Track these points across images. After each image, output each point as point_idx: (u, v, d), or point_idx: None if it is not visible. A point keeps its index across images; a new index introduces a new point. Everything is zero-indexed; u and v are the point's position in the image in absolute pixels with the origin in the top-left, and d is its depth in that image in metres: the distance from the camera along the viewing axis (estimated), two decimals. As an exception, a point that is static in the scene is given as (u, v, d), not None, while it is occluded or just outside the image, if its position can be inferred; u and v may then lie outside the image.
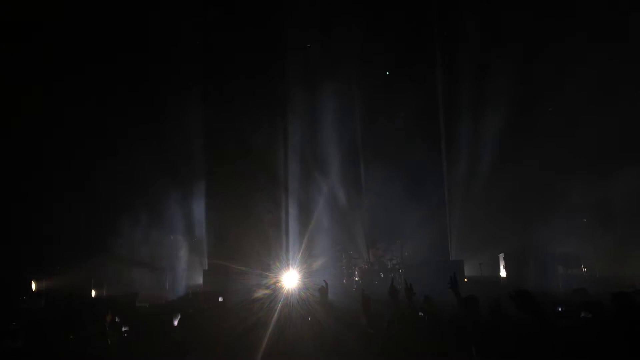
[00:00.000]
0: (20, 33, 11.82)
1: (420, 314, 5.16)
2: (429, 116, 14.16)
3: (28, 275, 11.28)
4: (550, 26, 12.41)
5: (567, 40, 12.15)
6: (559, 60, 12.52)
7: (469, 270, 12.37)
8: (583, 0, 12.08)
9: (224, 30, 13.68)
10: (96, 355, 5.28)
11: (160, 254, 12.97)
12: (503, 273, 12.41)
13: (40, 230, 11.55)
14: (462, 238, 13.63)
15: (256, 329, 5.42)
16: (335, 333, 4.67)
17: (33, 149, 12.15)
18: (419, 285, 5.17)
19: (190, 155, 13.88)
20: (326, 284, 4.99)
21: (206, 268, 13.35)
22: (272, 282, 12.62)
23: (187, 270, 13.36)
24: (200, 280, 12.92)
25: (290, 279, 12.07)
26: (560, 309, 5.83)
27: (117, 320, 6.12)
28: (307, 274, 12.62)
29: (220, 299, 8.73)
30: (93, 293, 11.68)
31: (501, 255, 12.59)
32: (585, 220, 12.87)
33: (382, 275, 12.26)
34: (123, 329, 5.90)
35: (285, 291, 11.06)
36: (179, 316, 6.07)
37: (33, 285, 11.26)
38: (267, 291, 11.84)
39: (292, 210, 13.64)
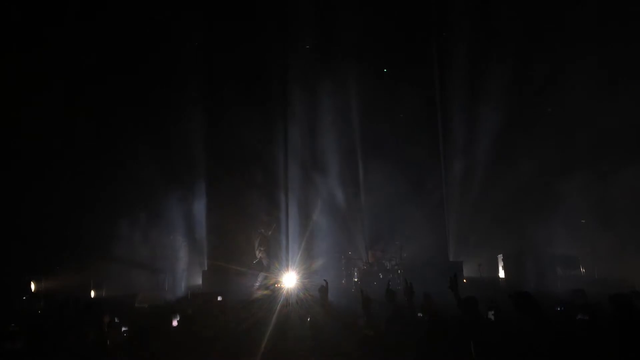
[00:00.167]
0: (20, 33, 11.82)
1: (419, 314, 5.17)
2: (428, 117, 14.16)
3: (27, 276, 11.27)
4: (550, 26, 12.42)
5: (567, 40, 12.16)
6: (558, 60, 12.54)
7: (468, 271, 12.38)
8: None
9: (224, 30, 13.69)
10: (95, 356, 5.28)
11: (159, 254, 12.97)
12: (502, 274, 12.43)
13: (40, 231, 11.53)
14: (461, 239, 13.64)
15: (255, 329, 5.43)
16: (334, 333, 4.68)
17: (33, 150, 12.15)
18: (418, 286, 5.18)
19: (190, 156, 13.88)
20: (326, 283, 5.00)
21: (205, 269, 13.35)
22: (271, 282, 12.64)
23: (186, 271, 13.35)
24: (199, 280, 12.92)
25: (289, 280, 12.07)
26: (559, 309, 5.84)
27: (116, 320, 6.13)
28: (306, 274, 12.63)
29: (219, 298, 8.75)
30: (92, 294, 11.68)
31: (500, 256, 12.61)
32: (584, 221, 12.90)
33: (381, 276, 12.27)
34: (122, 330, 5.90)
35: (284, 292, 11.07)
36: (178, 317, 6.08)
37: (32, 286, 11.25)
38: (266, 292, 11.87)
39: (291, 211, 13.65)
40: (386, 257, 12.80)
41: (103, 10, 12.26)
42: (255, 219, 13.43)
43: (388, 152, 13.54)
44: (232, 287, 11.39)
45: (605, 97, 11.85)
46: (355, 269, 12.96)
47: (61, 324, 5.85)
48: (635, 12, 11.53)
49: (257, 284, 12.54)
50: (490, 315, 5.09)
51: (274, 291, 11.92)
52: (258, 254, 12.79)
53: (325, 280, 5.04)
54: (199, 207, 13.89)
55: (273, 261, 12.98)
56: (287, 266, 12.63)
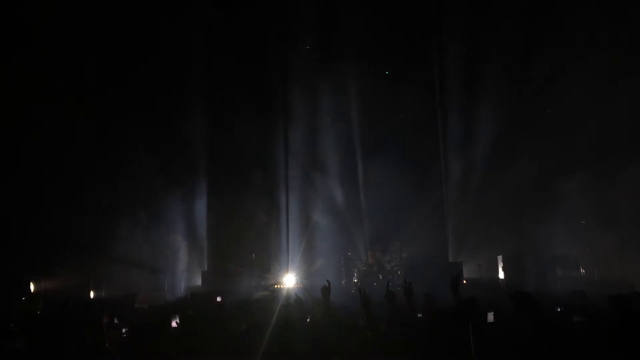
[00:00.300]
0: (20, 33, 11.82)
1: (419, 315, 5.16)
2: (428, 117, 14.16)
3: (27, 276, 11.26)
4: (550, 25, 12.42)
5: (566, 40, 12.15)
6: (559, 60, 12.53)
7: (468, 272, 12.38)
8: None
9: (224, 30, 13.68)
10: (95, 357, 5.28)
11: (159, 255, 12.96)
12: (502, 275, 12.43)
13: (40, 231, 11.52)
14: (461, 239, 13.63)
15: (255, 329, 5.42)
16: (333, 334, 4.67)
17: (33, 150, 12.14)
18: (418, 286, 5.18)
19: (190, 156, 13.87)
20: (329, 283, 4.99)
21: (205, 269, 13.34)
22: (271, 283, 12.64)
23: (186, 271, 13.36)
24: (199, 281, 12.92)
25: (289, 280, 12.08)
26: (559, 310, 5.85)
27: (116, 321, 6.12)
28: (306, 275, 12.64)
29: (218, 299, 8.75)
30: (92, 294, 11.67)
31: (500, 257, 12.61)
32: (584, 222, 12.90)
33: (381, 277, 12.27)
34: (122, 330, 5.89)
35: (284, 292, 11.07)
36: (178, 317, 6.07)
37: (32, 287, 11.24)
38: (266, 292, 11.87)
39: (291, 212, 13.64)
40: (386, 258, 12.79)
41: (105, 11, 12.26)
42: (255, 220, 13.43)
43: (388, 153, 13.53)
44: (231, 288, 11.39)
45: (605, 98, 11.85)
46: (355, 269, 12.96)
47: (61, 324, 5.84)
48: (635, 12, 11.53)
49: (257, 285, 12.54)
50: (490, 316, 5.09)
51: (273, 292, 11.92)
52: (260, 255, 12.78)
53: (327, 280, 5.03)
54: (199, 208, 13.89)
55: (273, 262, 12.98)
56: (287, 267, 12.63)
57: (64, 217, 11.80)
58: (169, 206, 13.32)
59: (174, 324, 6.02)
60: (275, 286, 12.32)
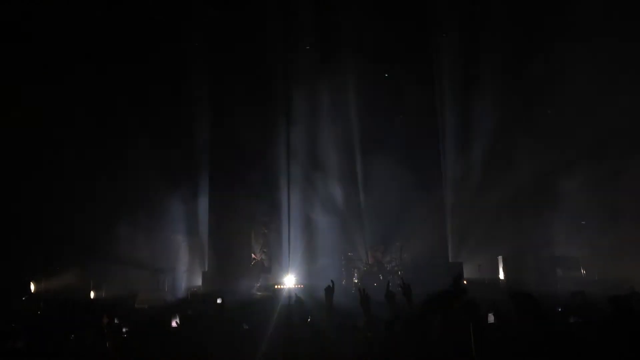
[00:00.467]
0: (20, 33, 11.82)
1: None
2: (428, 118, 14.16)
3: (27, 276, 11.27)
4: (551, 23, 12.41)
5: (566, 40, 12.14)
6: (559, 60, 12.53)
7: (468, 272, 12.39)
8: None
9: (224, 30, 13.68)
10: (95, 357, 5.28)
11: (159, 255, 12.97)
12: (502, 275, 12.43)
13: (40, 231, 11.53)
14: (461, 240, 13.64)
15: (256, 330, 5.43)
16: (333, 335, 4.67)
17: (33, 150, 12.15)
18: (418, 287, 5.17)
19: (190, 156, 13.88)
20: (333, 283, 4.98)
21: (206, 269, 13.35)
22: (271, 283, 12.65)
23: (186, 272, 13.36)
24: (199, 281, 12.92)
25: (289, 281, 12.08)
26: (559, 310, 5.85)
27: (116, 321, 6.12)
28: (307, 275, 12.64)
29: (219, 301, 8.74)
30: (92, 294, 11.68)
31: (500, 258, 12.61)
32: (584, 222, 12.91)
33: (381, 277, 12.27)
34: (122, 330, 5.89)
35: (284, 293, 11.08)
36: (178, 317, 6.08)
37: (32, 287, 11.26)
38: (266, 293, 11.88)
39: (292, 212, 13.65)
40: (386, 258, 12.79)
41: (105, 8, 12.26)
42: (255, 220, 13.44)
43: (388, 153, 13.53)
44: (232, 288, 11.40)
45: (605, 98, 11.85)
46: (355, 270, 12.95)
47: (61, 324, 5.85)
48: (635, 10, 11.53)
49: (257, 285, 12.55)
50: (491, 316, 5.08)
51: (274, 292, 11.93)
52: (260, 256, 12.78)
53: (332, 280, 5.03)
54: (199, 208, 13.89)
55: (273, 262, 12.99)
56: (287, 267, 12.63)
57: (64, 217, 11.80)
58: (169, 206, 13.33)
59: (174, 324, 6.02)
60: (276, 286, 12.32)
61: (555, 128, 13.01)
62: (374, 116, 13.94)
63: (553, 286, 11.04)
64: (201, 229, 13.93)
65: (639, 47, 11.54)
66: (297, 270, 12.62)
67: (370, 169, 13.87)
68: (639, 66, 11.74)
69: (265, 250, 12.70)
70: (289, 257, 13.10)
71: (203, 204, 13.92)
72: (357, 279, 12.64)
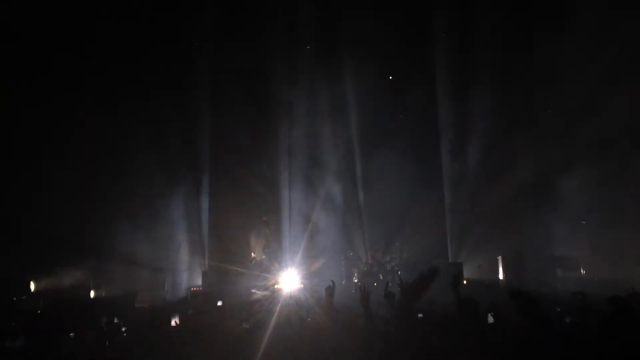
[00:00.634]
0: (19, 33, 11.83)
1: (419, 315, 5.16)
2: (429, 117, 14.16)
3: (27, 275, 11.27)
4: (551, 22, 12.40)
5: (567, 38, 12.13)
6: (559, 60, 12.52)
7: (468, 273, 12.38)
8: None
9: (224, 30, 13.68)
10: (94, 356, 5.28)
11: (159, 254, 12.96)
12: (502, 275, 12.42)
13: (40, 230, 11.53)
14: (461, 240, 13.63)
15: (255, 330, 5.43)
16: (334, 334, 4.67)
17: (32, 148, 12.15)
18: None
19: (190, 155, 13.88)
20: (333, 283, 4.99)
21: (205, 269, 13.34)
22: (271, 283, 12.63)
23: (186, 271, 13.36)
24: (199, 281, 12.92)
25: (289, 281, 12.06)
26: (558, 310, 5.85)
27: (115, 320, 6.13)
28: (306, 275, 12.63)
29: (219, 303, 8.73)
30: (92, 294, 11.68)
31: (500, 258, 12.60)
32: (584, 222, 12.89)
33: (381, 277, 12.26)
34: (122, 330, 5.90)
35: (284, 292, 11.06)
36: (178, 317, 6.08)
37: (32, 286, 11.25)
38: (266, 292, 11.87)
39: (292, 212, 13.65)
40: (386, 258, 12.79)
41: (105, 7, 12.27)
42: (255, 220, 13.42)
43: (388, 153, 13.52)
44: (232, 288, 11.38)
45: (605, 98, 11.85)
46: (355, 269, 12.95)
47: (61, 323, 5.85)
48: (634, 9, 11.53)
49: (257, 285, 12.53)
50: (490, 317, 5.08)
51: (274, 292, 11.92)
52: (262, 255, 12.77)
53: (332, 281, 5.04)
54: (200, 208, 13.89)
55: (273, 262, 12.97)
56: (287, 267, 12.61)
57: (64, 217, 11.81)
58: (170, 206, 13.33)
59: (173, 323, 6.03)
60: (276, 286, 12.31)
61: (556, 127, 13.00)
62: (374, 116, 13.94)
63: (553, 286, 11.03)
64: (201, 228, 13.92)
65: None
66: (297, 269, 12.59)
67: (371, 169, 13.88)
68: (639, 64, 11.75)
69: (266, 250, 12.69)
70: (289, 256, 13.09)
71: (203, 204, 13.92)
72: (357, 278, 12.63)
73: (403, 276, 11.79)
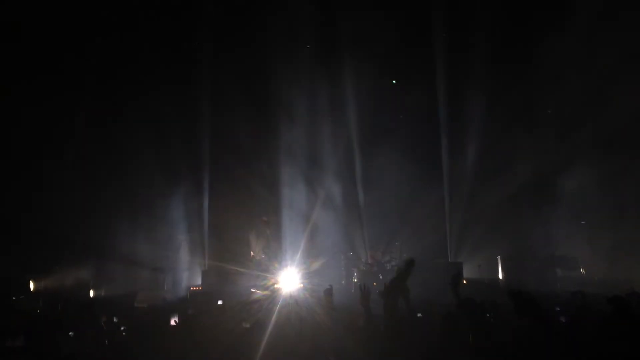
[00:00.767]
0: (19, 32, 11.83)
1: (419, 315, 5.17)
2: (429, 117, 14.15)
3: (26, 275, 11.27)
4: (553, 21, 12.40)
5: (567, 37, 12.12)
6: (559, 60, 12.52)
7: (468, 272, 12.37)
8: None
9: (223, 29, 13.67)
10: (94, 355, 5.28)
11: (159, 254, 12.95)
12: (501, 275, 12.42)
13: (39, 230, 11.53)
14: (461, 240, 13.63)
15: (255, 329, 5.43)
16: (333, 334, 4.68)
17: (32, 149, 12.15)
18: (418, 287, 5.18)
19: (190, 155, 13.87)
20: (331, 287, 5.05)
21: (205, 269, 13.33)
22: (270, 283, 12.62)
23: (186, 271, 13.35)
24: (199, 281, 12.91)
25: (288, 280, 12.05)
26: (558, 309, 5.86)
27: (115, 320, 6.13)
28: (306, 275, 12.61)
29: (219, 302, 8.74)
30: (91, 293, 11.68)
31: (499, 257, 12.60)
32: (584, 222, 12.90)
33: (381, 277, 12.25)
34: (121, 329, 5.90)
35: (283, 292, 11.06)
36: (177, 316, 6.09)
37: (31, 285, 11.25)
38: (265, 292, 11.86)
39: (291, 212, 13.64)
40: (385, 258, 12.78)
41: (105, 8, 12.26)
42: (255, 220, 13.42)
43: (388, 153, 13.52)
44: (231, 287, 11.39)
45: (605, 97, 11.86)
46: (355, 269, 12.94)
47: (60, 322, 5.85)
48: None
49: (257, 285, 12.52)
50: (489, 316, 5.09)
51: (273, 292, 11.91)
52: (261, 255, 12.76)
53: (330, 285, 5.09)
54: (199, 207, 13.88)
55: (273, 261, 12.96)
56: (287, 266, 12.60)
57: (63, 216, 11.80)
58: (169, 205, 13.33)
59: (172, 323, 6.03)
60: (275, 286, 12.30)
61: (556, 127, 13.00)
62: (374, 116, 13.93)
63: (553, 286, 11.04)
64: (201, 228, 13.92)
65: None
66: (297, 269, 12.58)
67: (371, 169, 13.87)
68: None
69: (266, 250, 12.68)
70: (288, 256, 13.08)
71: (203, 203, 13.91)
72: (357, 278, 12.62)
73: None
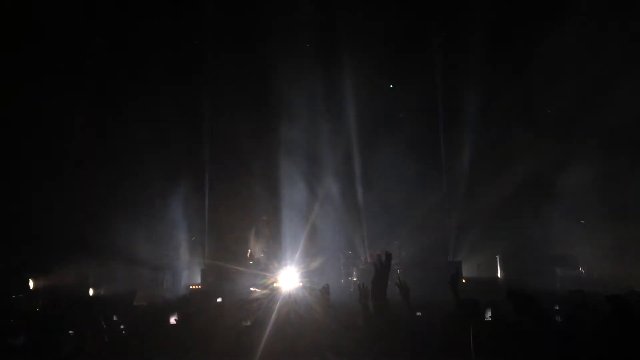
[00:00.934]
0: (20, 32, 11.82)
1: (418, 313, 5.17)
2: (429, 116, 14.15)
3: (26, 273, 11.27)
4: (554, 20, 12.39)
5: (567, 35, 12.11)
6: (559, 56, 12.51)
7: (467, 271, 12.38)
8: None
9: (223, 29, 13.66)
10: (93, 354, 5.29)
11: (158, 252, 12.96)
12: (500, 274, 12.43)
13: (39, 228, 11.53)
14: (460, 239, 13.63)
15: (254, 328, 5.44)
16: (333, 332, 4.68)
17: (31, 148, 12.15)
18: (417, 286, 5.18)
19: (190, 155, 13.87)
20: (328, 286, 5.05)
21: (205, 267, 13.34)
22: (270, 282, 12.63)
23: (185, 270, 13.36)
24: (198, 279, 12.92)
25: (288, 279, 12.06)
26: (557, 308, 5.87)
27: (114, 318, 6.14)
28: (305, 274, 12.62)
29: (219, 300, 8.75)
30: (91, 292, 11.68)
31: (499, 256, 12.60)
32: (583, 221, 12.90)
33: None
34: (120, 327, 5.91)
35: (283, 291, 11.07)
36: (177, 315, 6.09)
37: (31, 284, 11.25)
38: (265, 291, 11.87)
39: (291, 210, 13.64)
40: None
41: (104, 8, 12.26)
42: (255, 219, 13.42)
43: (388, 152, 13.52)
44: (231, 286, 11.39)
45: (605, 96, 11.86)
46: (354, 268, 12.95)
47: (59, 321, 5.85)
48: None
49: (257, 283, 12.53)
50: (488, 316, 5.10)
51: (272, 290, 11.92)
52: (259, 254, 12.77)
53: (327, 284, 5.10)
54: (199, 206, 13.89)
55: (272, 260, 12.97)
56: (286, 265, 12.61)
57: (63, 215, 11.80)
58: (169, 204, 13.33)
59: (172, 321, 6.03)
60: (274, 285, 12.31)
61: (555, 125, 13.01)
62: (374, 115, 13.93)
63: (552, 285, 11.05)
64: (201, 226, 13.92)
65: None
66: (296, 268, 12.59)
67: (370, 168, 13.87)
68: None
69: (265, 249, 12.69)
70: (287, 255, 13.09)
71: (203, 202, 13.91)
72: (356, 277, 12.63)
73: (402, 275, 11.79)
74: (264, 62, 13.62)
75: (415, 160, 13.55)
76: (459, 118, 13.74)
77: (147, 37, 12.82)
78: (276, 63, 13.50)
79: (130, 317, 6.47)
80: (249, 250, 12.85)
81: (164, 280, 12.49)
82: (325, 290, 5.01)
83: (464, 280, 11.65)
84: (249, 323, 5.68)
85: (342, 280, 12.79)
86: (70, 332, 5.45)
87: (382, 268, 4.02)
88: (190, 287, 12.24)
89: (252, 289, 11.83)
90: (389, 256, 4.08)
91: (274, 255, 12.91)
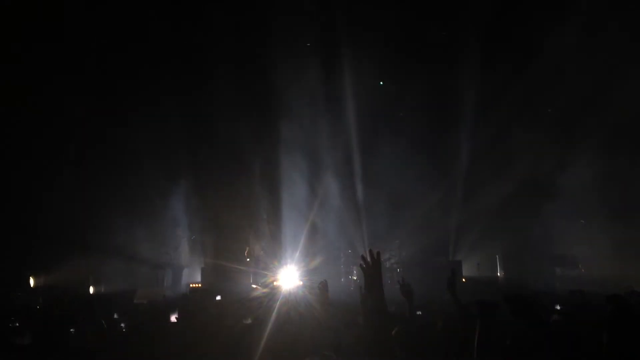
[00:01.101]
0: (20, 33, 11.81)
1: (418, 312, 5.17)
2: (428, 116, 14.14)
3: (26, 271, 11.28)
4: (557, 21, 12.39)
5: (568, 35, 12.11)
6: (560, 56, 12.51)
7: (467, 270, 12.39)
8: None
9: (221, 28, 13.65)
10: (94, 352, 5.29)
11: (159, 251, 12.98)
12: (500, 273, 12.45)
13: (39, 227, 11.54)
14: (460, 238, 13.64)
15: (255, 326, 5.44)
16: (333, 331, 4.68)
17: (31, 147, 12.15)
18: (417, 285, 5.17)
19: (190, 154, 13.88)
20: (325, 281, 5.03)
21: (205, 266, 13.36)
22: (270, 280, 12.66)
23: (185, 268, 13.38)
24: (198, 278, 12.94)
25: (288, 278, 12.08)
26: (557, 307, 5.87)
27: (115, 316, 6.14)
28: (305, 272, 12.65)
29: (218, 298, 8.75)
30: (91, 289, 11.70)
31: (498, 256, 12.61)
32: (583, 221, 12.91)
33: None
34: (121, 326, 5.91)
35: (283, 289, 11.08)
36: (177, 313, 6.09)
37: (31, 282, 11.27)
38: (265, 289, 11.88)
39: (291, 209, 13.64)
40: (385, 256, 12.80)
41: (103, 9, 12.25)
42: (255, 218, 13.44)
43: (388, 151, 13.53)
44: (231, 285, 11.42)
45: (605, 96, 11.86)
46: (354, 267, 12.97)
47: (59, 319, 5.86)
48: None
49: (258, 282, 12.55)
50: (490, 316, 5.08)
51: (272, 289, 11.93)
52: (259, 253, 12.80)
53: (325, 280, 5.07)
54: (199, 205, 13.89)
55: (272, 259, 12.99)
56: (286, 264, 12.64)
57: (63, 213, 11.81)
58: (169, 203, 13.35)
59: (173, 319, 6.04)
60: (274, 283, 12.33)
61: (555, 125, 13.01)
62: (374, 114, 13.93)
63: (552, 285, 11.06)
64: (201, 225, 13.93)
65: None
66: (296, 267, 12.61)
67: (370, 167, 13.87)
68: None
69: (266, 248, 12.71)
70: (287, 254, 13.11)
71: (203, 200, 13.92)
72: (356, 276, 12.65)
73: (402, 274, 11.82)
74: (265, 61, 13.62)
75: (415, 160, 13.56)
76: (459, 118, 13.72)
77: (147, 37, 12.81)
78: (277, 61, 13.50)
79: (130, 315, 6.47)
80: (247, 248, 12.87)
81: (164, 278, 12.51)
82: (324, 286, 5.00)
83: (463, 280, 11.67)
84: (249, 321, 5.68)
85: (342, 279, 12.81)
86: (71, 330, 5.45)
87: (371, 267, 3.99)
88: (191, 285, 12.27)
89: (253, 285, 11.86)
90: (377, 254, 4.03)
91: (274, 254, 12.94)
